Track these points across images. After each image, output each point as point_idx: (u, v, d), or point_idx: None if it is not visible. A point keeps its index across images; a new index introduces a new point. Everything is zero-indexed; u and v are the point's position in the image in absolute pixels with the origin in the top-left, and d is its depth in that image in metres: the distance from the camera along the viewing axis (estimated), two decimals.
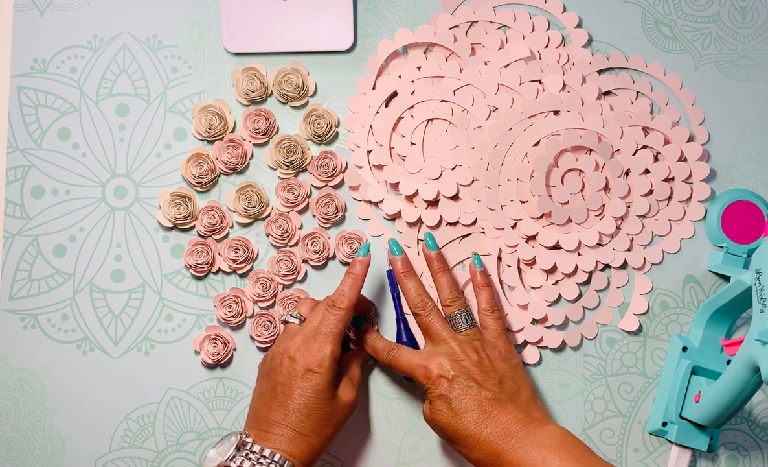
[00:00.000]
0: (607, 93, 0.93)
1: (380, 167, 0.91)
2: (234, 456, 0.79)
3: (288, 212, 0.91)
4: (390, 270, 0.90)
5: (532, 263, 0.92)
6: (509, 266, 0.91)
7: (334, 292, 0.85)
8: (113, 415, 0.90)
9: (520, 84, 0.91)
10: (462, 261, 0.92)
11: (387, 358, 0.86)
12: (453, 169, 0.91)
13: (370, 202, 0.92)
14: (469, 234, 0.92)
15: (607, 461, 0.91)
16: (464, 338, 0.85)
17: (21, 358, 0.90)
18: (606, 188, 0.91)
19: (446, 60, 0.92)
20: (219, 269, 0.91)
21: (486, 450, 0.80)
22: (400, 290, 0.90)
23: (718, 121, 0.94)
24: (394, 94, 0.92)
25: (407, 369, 0.85)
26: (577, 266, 0.91)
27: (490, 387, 0.82)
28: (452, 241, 0.92)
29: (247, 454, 0.79)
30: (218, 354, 0.89)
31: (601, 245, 0.91)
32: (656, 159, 0.92)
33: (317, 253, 0.90)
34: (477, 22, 0.93)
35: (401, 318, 0.90)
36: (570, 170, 0.91)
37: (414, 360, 0.84)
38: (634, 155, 0.91)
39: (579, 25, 0.94)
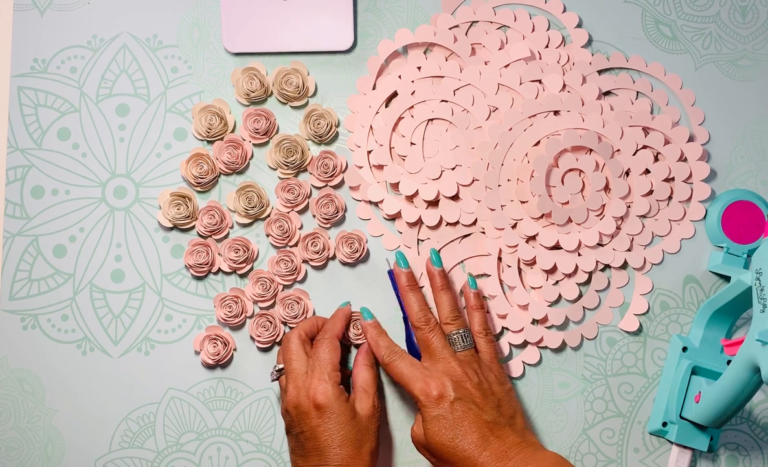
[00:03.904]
0: (607, 93, 0.93)
1: (380, 167, 0.91)
2: None
3: (288, 212, 0.91)
4: (391, 271, 0.90)
5: (532, 263, 0.91)
6: (509, 266, 0.91)
7: (321, 330, 0.88)
8: (113, 415, 0.90)
9: (520, 84, 0.91)
10: (462, 261, 0.92)
11: (387, 359, 0.86)
12: (453, 169, 0.91)
13: (370, 202, 0.92)
14: (469, 234, 0.92)
15: (602, 466, 0.91)
16: (464, 359, 0.85)
17: (21, 358, 0.90)
18: (606, 188, 0.91)
19: (446, 60, 0.92)
20: (219, 270, 0.91)
21: None
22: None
23: (718, 121, 0.94)
24: (394, 94, 0.92)
25: (404, 380, 0.84)
26: (577, 267, 0.91)
27: (490, 410, 0.82)
28: (452, 241, 0.92)
29: None
30: (218, 354, 0.89)
31: (601, 245, 0.91)
32: (656, 159, 0.92)
33: (317, 253, 0.90)
34: (477, 22, 0.93)
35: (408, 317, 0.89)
36: (570, 170, 0.91)
37: (413, 373, 0.84)
38: (634, 155, 0.91)
39: (579, 25, 0.94)
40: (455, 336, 0.86)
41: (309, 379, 0.83)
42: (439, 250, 0.91)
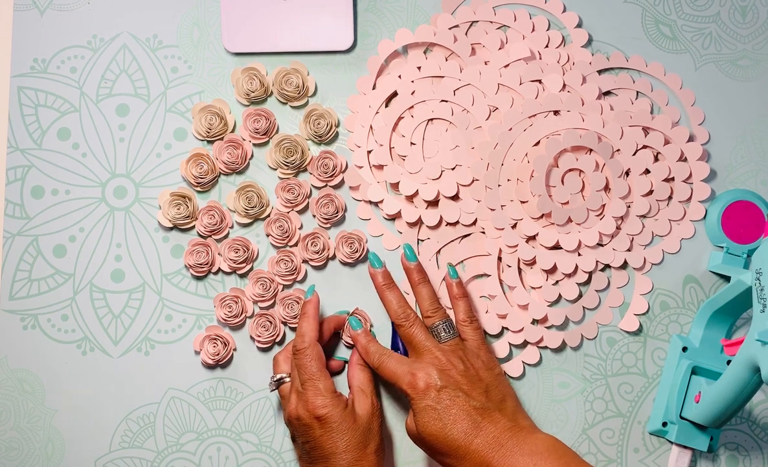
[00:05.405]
0: (607, 93, 0.93)
1: (380, 167, 0.91)
2: None
3: (288, 212, 0.91)
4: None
5: (532, 263, 0.91)
6: (509, 266, 0.91)
7: (295, 336, 0.86)
8: (113, 415, 0.90)
9: (520, 84, 0.91)
10: (462, 261, 0.92)
11: (377, 362, 0.86)
12: (453, 169, 0.91)
13: (370, 202, 0.92)
14: (469, 234, 0.92)
15: (602, 466, 0.91)
16: (448, 348, 0.85)
17: (21, 358, 0.90)
18: (606, 188, 0.91)
19: (446, 60, 0.92)
20: (219, 269, 0.91)
21: (476, 460, 0.79)
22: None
23: (718, 121, 0.94)
24: (394, 94, 0.92)
25: (392, 377, 0.84)
26: (577, 266, 0.91)
27: (477, 396, 0.82)
28: (452, 241, 0.92)
29: None
30: (218, 354, 0.89)
31: (601, 245, 0.91)
32: (656, 159, 0.92)
33: (317, 253, 0.90)
34: (477, 22, 0.93)
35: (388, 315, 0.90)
36: (570, 170, 0.91)
37: (400, 369, 0.84)
38: (634, 155, 0.91)
39: (579, 25, 0.94)
40: (438, 328, 0.86)
41: (305, 394, 0.83)
42: (439, 250, 0.91)
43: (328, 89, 0.93)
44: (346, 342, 0.91)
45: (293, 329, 0.90)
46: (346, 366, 0.90)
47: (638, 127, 0.91)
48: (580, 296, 0.92)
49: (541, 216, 0.91)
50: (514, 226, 0.91)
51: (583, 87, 0.92)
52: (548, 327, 0.92)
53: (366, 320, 0.91)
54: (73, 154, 0.91)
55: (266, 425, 0.91)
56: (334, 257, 0.92)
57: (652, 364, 0.93)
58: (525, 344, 0.92)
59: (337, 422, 0.82)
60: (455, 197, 0.91)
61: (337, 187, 0.92)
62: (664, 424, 0.90)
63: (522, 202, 0.91)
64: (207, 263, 0.90)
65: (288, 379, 0.87)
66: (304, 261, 0.91)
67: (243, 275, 0.91)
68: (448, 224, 0.92)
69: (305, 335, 0.85)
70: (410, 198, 0.92)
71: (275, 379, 0.87)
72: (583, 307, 0.92)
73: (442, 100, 0.91)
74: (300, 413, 0.83)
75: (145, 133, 0.92)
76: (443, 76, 0.92)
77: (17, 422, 0.90)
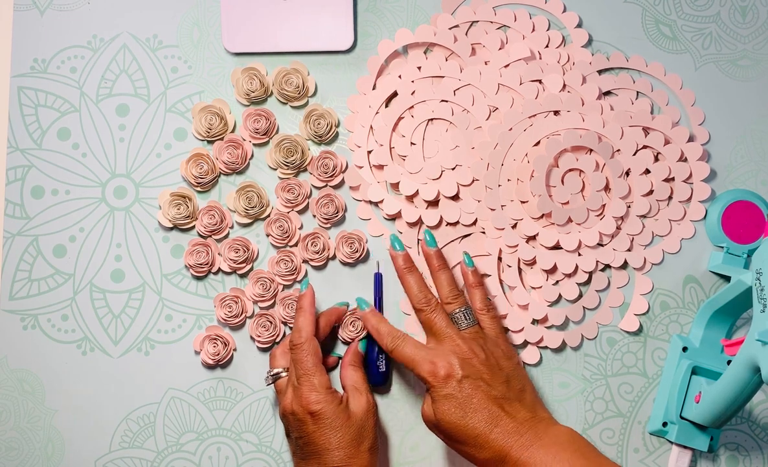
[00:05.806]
0: (608, 93, 0.93)
1: (380, 167, 0.91)
2: None
3: (288, 212, 0.91)
4: (377, 273, 0.90)
5: (532, 263, 0.91)
6: (509, 266, 0.91)
7: (292, 331, 0.86)
8: (113, 415, 0.90)
9: (520, 84, 0.91)
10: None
11: (391, 345, 0.85)
12: (453, 169, 0.91)
13: (370, 202, 0.92)
14: (470, 234, 0.92)
15: (615, 462, 0.91)
16: (469, 336, 0.84)
17: (21, 358, 0.90)
18: (606, 188, 0.91)
19: (446, 60, 0.92)
20: (219, 269, 0.91)
21: (495, 450, 0.79)
22: (382, 295, 0.90)
23: (718, 121, 0.94)
24: (395, 94, 0.92)
25: (410, 363, 0.83)
26: (577, 267, 0.91)
27: (498, 386, 0.82)
28: (452, 241, 0.92)
29: None
30: (218, 354, 0.89)
31: (602, 245, 0.91)
32: (656, 159, 0.92)
33: (317, 253, 0.90)
34: (477, 22, 0.93)
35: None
36: (570, 170, 0.91)
37: (420, 354, 0.83)
38: (634, 155, 0.91)
39: (579, 25, 0.94)
40: (458, 315, 0.85)
41: (300, 389, 0.83)
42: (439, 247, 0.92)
43: (328, 89, 0.93)
44: (344, 339, 0.91)
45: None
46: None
47: (638, 127, 0.91)
48: (580, 296, 0.92)
49: (541, 216, 0.91)
50: (514, 226, 0.91)
51: (583, 87, 0.92)
52: (548, 327, 0.92)
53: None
54: (73, 154, 0.91)
55: (266, 425, 0.91)
56: (334, 257, 0.92)
57: (652, 364, 0.93)
58: (525, 344, 0.92)
59: (331, 418, 0.82)
60: (455, 197, 0.91)
61: (337, 187, 0.92)
62: (664, 424, 0.90)
63: (522, 202, 0.91)
64: (207, 263, 0.90)
65: (284, 374, 0.87)
66: (304, 261, 0.91)
67: (243, 275, 0.91)
68: (448, 224, 0.92)
69: (302, 330, 0.85)
70: (410, 198, 0.92)
71: (272, 374, 0.87)
72: (583, 307, 0.92)
73: (442, 100, 0.91)
74: (294, 408, 0.83)
75: (145, 133, 0.92)
76: (443, 76, 0.92)
77: (17, 422, 0.90)
